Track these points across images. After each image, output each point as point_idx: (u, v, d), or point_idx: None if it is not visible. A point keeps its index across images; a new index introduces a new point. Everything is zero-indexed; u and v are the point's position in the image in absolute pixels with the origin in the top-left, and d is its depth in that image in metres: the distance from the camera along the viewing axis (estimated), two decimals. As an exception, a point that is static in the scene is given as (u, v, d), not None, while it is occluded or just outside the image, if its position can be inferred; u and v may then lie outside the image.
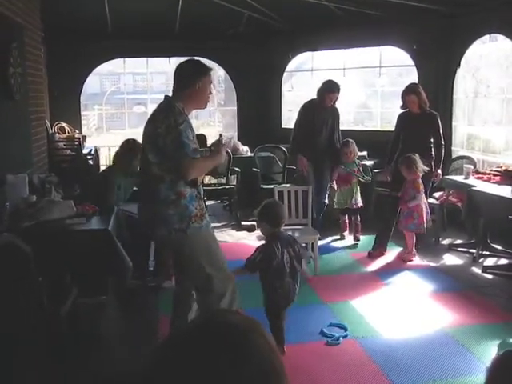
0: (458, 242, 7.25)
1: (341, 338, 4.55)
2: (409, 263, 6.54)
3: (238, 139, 10.23)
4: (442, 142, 6.86)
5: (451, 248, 7.03)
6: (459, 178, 7.05)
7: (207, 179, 8.88)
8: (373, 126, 11.79)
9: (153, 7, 8.93)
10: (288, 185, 7.81)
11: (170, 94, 3.92)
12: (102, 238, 4.63)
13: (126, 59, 11.47)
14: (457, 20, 8.10)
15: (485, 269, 6.20)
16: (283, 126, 10.48)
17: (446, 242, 7.31)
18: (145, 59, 11.47)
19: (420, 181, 6.49)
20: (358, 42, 9.62)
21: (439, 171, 6.86)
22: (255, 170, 8.83)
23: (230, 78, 11.42)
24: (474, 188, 6.44)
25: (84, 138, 9.67)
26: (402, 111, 7.02)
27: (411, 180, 6.47)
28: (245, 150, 9.62)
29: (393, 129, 7.36)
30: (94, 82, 19.79)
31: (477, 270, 6.26)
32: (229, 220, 8.67)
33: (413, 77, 8.93)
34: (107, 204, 5.46)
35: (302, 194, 6.44)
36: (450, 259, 6.71)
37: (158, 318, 4.97)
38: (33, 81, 7.07)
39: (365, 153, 8.46)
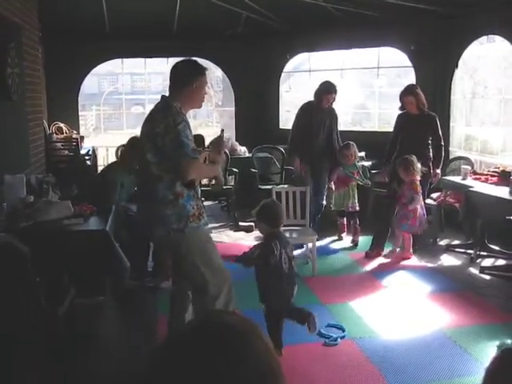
0: (456, 242, 7.25)
1: (338, 339, 4.55)
2: (406, 264, 6.54)
3: (236, 140, 10.23)
4: (442, 143, 6.87)
5: (449, 249, 7.03)
6: (457, 179, 7.05)
7: (205, 180, 8.87)
8: (371, 126, 11.78)
9: (151, 7, 8.93)
10: (286, 185, 7.81)
11: (167, 94, 3.93)
12: (100, 238, 4.62)
13: (124, 59, 11.48)
14: (454, 21, 8.11)
15: (482, 269, 6.21)
16: (281, 127, 10.49)
17: (443, 242, 7.31)
18: (143, 60, 11.48)
19: (418, 182, 6.49)
20: (355, 43, 9.63)
21: (438, 171, 6.86)
22: (253, 170, 8.83)
23: (227, 78, 11.43)
24: (471, 189, 6.44)
25: (82, 138, 9.67)
26: (400, 112, 7.03)
27: (409, 181, 6.47)
28: (243, 150, 9.63)
29: (391, 130, 7.38)
30: (92, 83, 19.78)
31: (474, 270, 6.26)
32: (226, 220, 8.67)
33: (411, 78, 8.95)
34: (109, 203, 5.46)
35: (299, 194, 6.44)
36: (448, 260, 6.71)
37: (156, 318, 4.96)
38: (30, 81, 7.06)
39: (363, 153, 8.45)
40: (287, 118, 10.39)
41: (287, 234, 4.50)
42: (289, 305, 4.28)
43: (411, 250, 6.72)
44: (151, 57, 11.20)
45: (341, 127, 7.89)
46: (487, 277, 6.08)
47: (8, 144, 6.01)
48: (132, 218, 5.38)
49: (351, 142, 7.35)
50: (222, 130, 4.56)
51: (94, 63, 10.48)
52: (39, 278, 3.82)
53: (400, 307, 5.30)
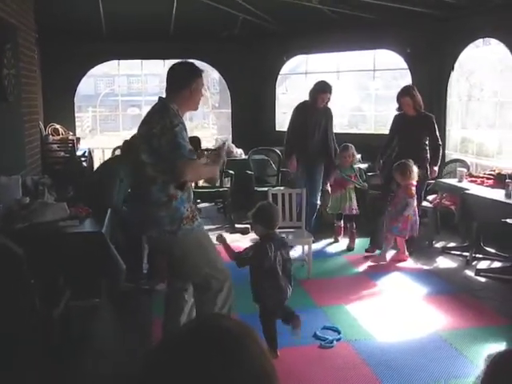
0: (452, 245, 7.26)
1: (334, 341, 4.54)
2: (402, 266, 6.54)
3: (232, 142, 10.25)
4: (440, 143, 6.92)
5: (444, 251, 7.04)
6: (453, 182, 7.07)
7: (201, 182, 8.87)
8: (366, 129, 11.81)
9: (147, 9, 8.93)
10: (282, 187, 7.81)
11: (164, 96, 3.93)
12: (96, 240, 4.62)
13: (121, 61, 11.48)
14: (450, 24, 8.13)
15: (478, 272, 6.21)
16: (277, 129, 10.49)
17: (439, 245, 7.32)
18: (139, 61, 11.47)
19: (413, 187, 6.49)
20: (352, 46, 9.64)
21: (435, 168, 6.90)
22: (249, 172, 8.83)
23: (224, 80, 11.43)
24: (467, 191, 6.45)
25: (78, 139, 9.66)
26: (397, 113, 7.06)
27: (404, 186, 6.48)
28: (239, 152, 9.63)
29: (387, 132, 7.42)
30: (88, 84, 19.76)
31: (470, 273, 6.27)
32: (223, 222, 8.67)
33: (407, 80, 8.96)
34: (107, 202, 5.46)
35: (295, 196, 6.44)
36: (444, 262, 6.72)
37: (151, 320, 4.96)
38: (26, 82, 7.05)
39: (359, 156, 8.46)
40: (283, 120, 10.39)
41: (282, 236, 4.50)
42: (283, 306, 4.28)
43: (406, 252, 6.72)
44: (148, 58, 11.19)
45: (337, 129, 7.91)
46: (483, 279, 6.09)
47: (4, 145, 6.00)
48: (126, 220, 5.38)
49: (349, 144, 7.35)
50: (224, 143, 4.57)
51: (90, 65, 10.47)
52: (34, 279, 3.81)
53: (396, 309, 5.30)
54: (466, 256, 6.65)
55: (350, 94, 13.70)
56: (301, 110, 7.31)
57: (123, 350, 4.40)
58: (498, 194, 6.13)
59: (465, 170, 7.19)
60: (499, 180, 6.52)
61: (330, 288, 5.88)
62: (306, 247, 6.34)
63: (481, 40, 7.98)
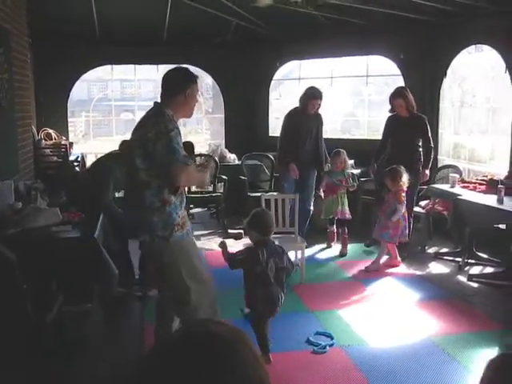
0: (444, 250, 7.27)
1: (327, 347, 4.54)
2: (395, 271, 6.55)
3: (226, 147, 10.24)
4: (432, 145, 6.97)
5: (437, 256, 7.06)
6: (445, 187, 7.08)
7: (193, 187, 8.86)
8: (360, 134, 11.84)
9: (141, 14, 8.94)
10: (275, 193, 7.80)
11: (159, 101, 3.93)
12: (88, 245, 4.60)
13: (114, 66, 11.46)
14: (443, 30, 8.16)
15: (470, 277, 6.23)
16: (270, 134, 10.49)
17: (431, 250, 7.33)
18: (133, 66, 11.46)
19: (403, 193, 6.51)
20: (345, 51, 9.67)
21: (427, 172, 6.94)
22: (242, 177, 8.82)
23: (217, 85, 11.43)
24: (459, 197, 6.47)
25: (71, 144, 9.63)
26: (390, 115, 7.10)
27: (394, 191, 6.50)
28: (232, 157, 9.63)
29: (380, 137, 7.44)
30: (81, 89, 19.74)
31: (462, 278, 6.28)
32: (216, 228, 8.66)
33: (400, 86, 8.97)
34: (101, 202, 5.44)
35: (288, 202, 6.45)
36: (436, 267, 6.73)
37: (143, 326, 4.95)
38: (19, 87, 7.03)
39: (352, 161, 8.48)
40: (277, 126, 10.39)
41: (276, 242, 4.49)
42: (274, 312, 4.27)
43: (399, 258, 6.74)
44: (141, 63, 11.17)
45: (330, 135, 7.92)
46: (475, 284, 6.10)
47: (-4, 150, 5.99)
48: (118, 220, 5.37)
49: (341, 150, 7.35)
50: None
51: (83, 69, 10.45)
52: (27, 284, 3.80)
53: (388, 315, 5.31)
54: (459, 261, 6.67)
55: (343, 99, 13.73)
56: (292, 117, 7.31)
57: (115, 356, 4.39)
58: (491, 200, 6.15)
59: (457, 175, 7.21)
60: (491, 186, 6.54)
61: (323, 293, 5.88)
62: (299, 252, 6.34)
63: (473, 46, 8.01)
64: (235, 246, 7.56)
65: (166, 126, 3.64)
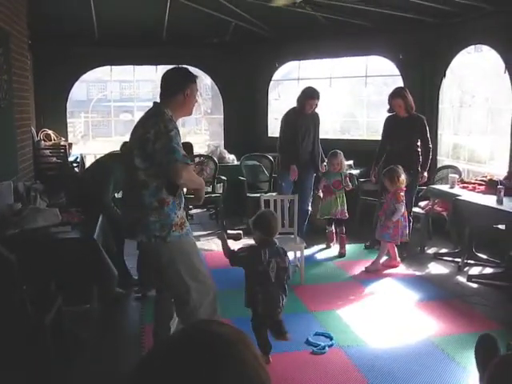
0: (444, 251, 7.27)
1: (326, 347, 4.54)
2: (394, 272, 6.55)
3: (225, 147, 10.24)
4: (430, 146, 6.97)
5: (436, 257, 7.06)
6: (444, 188, 7.09)
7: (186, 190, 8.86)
8: (359, 135, 11.84)
9: (140, 16, 8.94)
10: (274, 193, 7.81)
11: (158, 101, 3.93)
12: (88, 246, 4.61)
13: (113, 67, 11.46)
14: (442, 30, 8.17)
15: (470, 278, 6.23)
16: (269, 135, 10.49)
17: (431, 251, 7.33)
18: (132, 67, 11.45)
19: (402, 192, 6.51)
20: (344, 52, 9.67)
21: (425, 174, 6.95)
22: (241, 178, 8.82)
23: (216, 86, 11.43)
24: (459, 197, 6.47)
25: (70, 145, 9.64)
26: (388, 114, 7.11)
27: (393, 191, 6.51)
28: (231, 158, 9.63)
29: (379, 138, 7.45)
30: (80, 90, 19.76)
31: (462, 278, 6.29)
32: (215, 228, 8.65)
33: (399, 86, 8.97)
34: (101, 200, 5.44)
35: (287, 202, 6.45)
36: (436, 268, 6.73)
37: (142, 326, 4.95)
38: (19, 88, 7.04)
39: (351, 162, 8.49)
40: (276, 126, 10.38)
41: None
42: (275, 314, 4.27)
43: (398, 258, 6.74)
44: (140, 64, 11.17)
45: (329, 135, 7.91)
46: (475, 285, 6.10)
47: (-5, 151, 5.99)
48: (117, 220, 5.37)
49: (338, 151, 7.35)
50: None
51: (82, 70, 10.45)
52: (26, 285, 3.80)
53: (388, 315, 5.30)
54: (458, 262, 6.67)
55: (342, 99, 13.73)
56: (290, 116, 7.32)
57: (115, 356, 4.39)
58: (490, 200, 6.15)
59: (456, 176, 7.21)
60: (491, 186, 6.54)
61: (322, 294, 5.88)
62: (299, 253, 6.34)
63: (472, 46, 8.01)
64: (234, 246, 7.57)
65: (165, 126, 3.64)
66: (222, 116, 11.24)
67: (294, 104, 7.36)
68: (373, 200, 7.63)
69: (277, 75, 10.74)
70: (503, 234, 6.42)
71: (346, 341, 4.70)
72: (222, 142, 11.05)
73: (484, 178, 6.97)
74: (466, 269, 6.55)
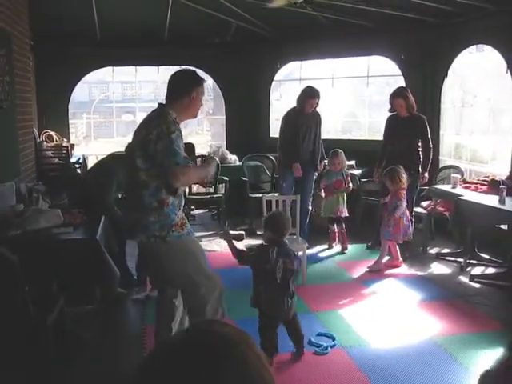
0: (446, 251, 7.26)
1: (329, 348, 4.54)
2: (396, 272, 6.55)
3: (227, 148, 10.23)
4: (431, 146, 6.97)
5: (439, 257, 7.05)
6: (447, 188, 7.08)
7: (195, 188, 8.86)
8: (361, 135, 11.83)
9: (142, 16, 8.95)
10: (276, 194, 7.80)
11: (161, 102, 3.93)
12: (90, 247, 4.61)
13: (115, 68, 11.46)
14: (444, 30, 8.16)
15: (472, 278, 6.22)
16: (271, 135, 10.48)
17: (433, 250, 7.33)
18: (133, 68, 11.46)
19: (403, 191, 6.52)
20: (345, 52, 9.66)
21: (426, 174, 6.95)
22: (243, 179, 8.83)
23: (218, 86, 11.43)
24: (461, 197, 6.46)
25: (72, 146, 9.63)
26: (390, 114, 7.11)
27: (394, 191, 6.53)
28: (233, 158, 9.63)
29: (381, 138, 7.46)
30: (82, 90, 19.77)
31: (464, 278, 6.28)
32: (217, 229, 8.65)
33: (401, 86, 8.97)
34: (104, 201, 5.44)
35: (289, 203, 6.44)
36: (438, 268, 6.73)
37: (144, 327, 4.95)
38: (21, 89, 7.04)
39: (353, 162, 8.48)
40: (277, 127, 10.39)
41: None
42: (282, 314, 4.26)
43: (400, 258, 6.73)
44: (141, 65, 11.17)
45: (331, 135, 7.91)
46: (477, 285, 6.10)
47: (-3, 152, 5.99)
48: (117, 225, 5.37)
49: (339, 150, 7.38)
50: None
51: (84, 71, 10.46)
52: (28, 286, 3.81)
53: (390, 315, 5.30)
54: (461, 262, 6.66)
55: (344, 100, 13.71)
56: (291, 117, 7.32)
57: (116, 356, 4.39)
58: (492, 200, 6.15)
59: (459, 176, 7.20)
60: (493, 186, 6.54)
61: (325, 294, 5.88)
62: (301, 253, 6.34)
63: (474, 46, 8.00)
64: (239, 247, 7.57)
65: (167, 128, 3.64)
66: (224, 116, 11.24)
67: (295, 104, 7.36)
68: (374, 200, 7.63)
69: (278, 75, 10.74)
70: (505, 234, 6.41)
71: (348, 341, 4.70)
72: (224, 142, 11.05)
73: (486, 178, 6.96)
74: (468, 269, 6.54)
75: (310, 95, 7.13)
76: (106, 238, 5.05)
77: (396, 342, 4.70)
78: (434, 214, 7.39)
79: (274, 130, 10.40)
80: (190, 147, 7.70)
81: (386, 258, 6.75)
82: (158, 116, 3.79)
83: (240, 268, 4.42)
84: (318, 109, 7.31)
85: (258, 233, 8.01)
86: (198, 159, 8.51)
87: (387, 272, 6.55)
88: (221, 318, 4.00)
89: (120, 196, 5.93)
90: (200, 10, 8.63)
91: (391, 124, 7.13)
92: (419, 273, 6.54)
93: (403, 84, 8.50)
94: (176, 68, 4.46)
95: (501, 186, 6.14)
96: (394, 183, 6.49)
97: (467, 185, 6.95)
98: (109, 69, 11.43)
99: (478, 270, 6.55)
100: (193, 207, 8.95)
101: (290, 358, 4.36)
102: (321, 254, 7.33)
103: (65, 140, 9.60)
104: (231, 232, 7.99)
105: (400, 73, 8.98)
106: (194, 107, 3.96)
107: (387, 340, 4.74)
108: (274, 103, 10.97)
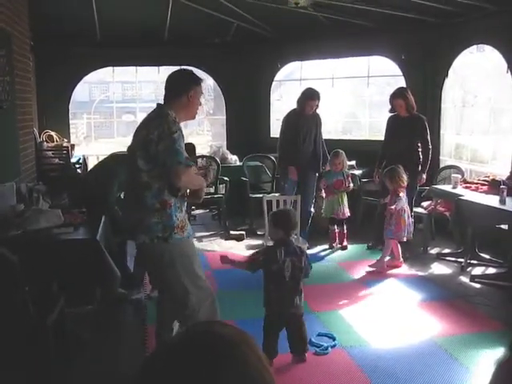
0: (446, 251, 7.26)
1: (329, 348, 4.53)
2: (397, 272, 6.54)
3: (227, 148, 10.22)
4: (430, 147, 6.98)
5: (439, 257, 7.05)
6: (447, 188, 7.08)
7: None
8: (361, 135, 11.82)
9: (142, 16, 8.95)
10: (277, 194, 7.81)
11: (161, 102, 3.92)
12: (90, 247, 4.61)
13: (115, 68, 11.46)
14: (444, 30, 8.16)
15: (473, 278, 6.22)
16: (272, 136, 10.47)
17: (434, 251, 7.32)
18: (134, 68, 11.46)
19: (403, 189, 6.54)
20: (346, 52, 9.66)
21: (424, 175, 6.96)
22: (244, 179, 8.83)
23: (218, 86, 11.43)
24: (461, 197, 6.46)
25: (72, 146, 9.64)
26: (390, 115, 7.12)
27: (393, 190, 6.54)
28: (233, 159, 9.63)
29: (381, 138, 7.47)
30: (82, 91, 19.76)
31: (465, 279, 6.28)
32: (217, 229, 8.65)
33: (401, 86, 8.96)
34: (105, 202, 5.44)
35: (290, 203, 6.45)
36: (438, 268, 6.72)
37: (144, 327, 4.94)
38: (21, 89, 7.04)
39: (353, 162, 8.48)
40: (278, 127, 10.37)
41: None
42: (289, 311, 4.25)
43: (401, 259, 6.73)
44: (142, 65, 11.17)
45: (331, 136, 7.91)
46: (478, 285, 6.09)
47: (-2, 152, 5.99)
48: (118, 226, 5.36)
49: (340, 150, 7.40)
50: (211, 165, 4.58)
51: (84, 71, 10.45)
52: (28, 286, 3.80)
53: (390, 316, 5.30)
54: (461, 262, 6.66)
55: (344, 100, 13.71)
56: (291, 118, 7.32)
57: (117, 357, 4.39)
58: (493, 200, 6.14)
59: (459, 176, 7.20)
60: (493, 186, 6.53)
61: (325, 294, 5.87)
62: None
63: (475, 46, 8.00)
64: (236, 247, 7.59)
65: (169, 128, 3.64)
66: (225, 117, 11.24)
67: (295, 105, 7.36)
68: (375, 200, 7.62)
69: (279, 76, 10.74)
70: (506, 234, 6.41)
71: (348, 341, 4.70)
72: (225, 142, 11.05)
73: (487, 178, 6.96)
74: (468, 269, 6.54)
75: (309, 97, 7.14)
76: (106, 238, 5.04)
77: (396, 342, 4.69)
78: (435, 214, 7.39)
79: (275, 131, 10.38)
80: (190, 147, 7.69)
81: (386, 258, 6.75)
82: (159, 116, 3.78)
83: (238, 269, 4.42)
84: (318, 109, 7.31)
85: (259, 233, 8.02)
86: (199, 159, 8.52)
87: (388, 272, 6.55)
88: None
89: (121, 196, 5.92)
90: (200, 10, 8.63)
91: (392, 124, 7.15)
92: (420, 273, 6.54)
93: (404, 84, 8.50)
94: (176, 68, 4.44)
95: (501, 186, 6.14)
96: (394, 183, 6.50)
97: (468, 185, 6.95)
98: (109, 69, 11.44)
99: (478, 270, 6.55)
100: (193, 207, 8.95)
101: (291, 359, 4.35)
102: (321, 254, 7.32)
103: (65, 140, 9.61)
104: (232, 232, 8.06)
105: (400, 73, 8.97)
106: (193, 107, 3.94)
107: (388, 340, 4.74)
108: (275, 103, 10.97)
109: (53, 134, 9.37)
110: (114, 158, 6.16)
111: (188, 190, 3.98)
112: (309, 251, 6.56)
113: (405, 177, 6.53)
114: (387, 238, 6.66)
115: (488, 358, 4.29)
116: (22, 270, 3.64)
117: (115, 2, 8.58)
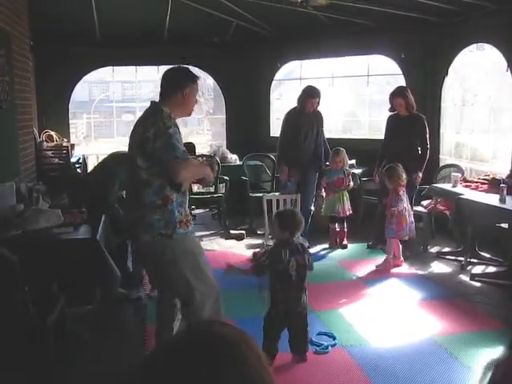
0: (446, 249, 7.26)
1: (329, 347, 4.53)
2: (397, 271, 6.54)
3: (227, 148, 10.22)
4: (428, 146, 6.99)
5: (439, 256, 7.05)
6: (447, 186, 7.08)
7: (196, 188, 8.86)
8: (361, 134, 11.82)
9: (141, 16, 8.95)
10: (277, 193, 7.81)
11: (156, 100, 3.92)
12: (90, 247, 4.61)
13: (115, 67, 11.46)
14: (444, 29, 8.15)
15: (473, 276, 6.22)
16: (272, 135, 10.47)
17: (434, 249, 7.32)
18: (133, 67, 11.46)
19: (402, 188, 6.54)
20: (346, 51, 9.66)
21: (420, 174, 6.96)
22: (244, 178, 8.83)
23: (218, 86, 11.43)
24: (461, 196, 6.46)
25: (72, 146, 9.63)
26: (390, 114, 7.13)
27: (393, 189, 6.55)
28: (233, 158, 9.63)
29: (381, 137, 7.47)
30: (82, 90, 19.75)
31: (465, 277, 6.28)
32: (217, 228, 8.65)
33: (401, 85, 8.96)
34: (106, 201, 5.44)
35: (290, 202, 6.45)
36: (438, 267, 6.72)
37: (144, 327, 4.94)
38: (21, 89, 7.04)
39: (353, 161, 8.48)
40: (278, 126, 10.36)
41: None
42: (296, 310, 4.25)
43: (401, 258, 6.73)
44: (141, 64, 11.17)
45: (331, 134, 7.91)
46: (478, 284, 6.09)
47: (-3, 152, 5.99)
48: (119, 220, 5.36)
49: (341, 148, 7.40)
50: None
51: (84, 71, 10.45)
52: (28, 286, 3.80)
53: (391, 314, 5.30)
54: (461, 261, 6.66)
55: (344, 99, 13.70)
56: (292, 116, 7.33)
57: (117, 356, 4.39)
58: (493, 199, 6.14)
59: (459, 174, 7.20)
60: (493, 185, 6.53)
61: (325, 293, 5.86)
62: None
63: (474, 45, 8.00)
64: (237, 246, 7.59)
65: (164, 124, 3.63)
66: (225, 116, 11.24)
67: (295, 104, 7.36)
68: (375, 199, 7.62)
69: (279, 75, 10.73)
70: (506, 233, 6.41)
71: (349, 340, 4.70)
72: (225, 142, 11.04)
73: (487, 177, 6.96)
74: (468, 267, 6.54)
75: (310, 95, 7.14)
76: (106, 238, 5.04)
77: (397, 341, 4.69)
78: (435, 212, 7.39)
79: (275, 130, 10.39)
80: (190, 147, 7.68)
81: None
82: (154, 113, 3.77)
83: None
84: (318, 108, 7.31)
85: (259, 232, 8.02)
86: (199, 158, 8.52)
87: (388, 271, 6.54)
88: None
89: (123, 195, 5.93)
90: (200, 10, 8.63)
91: (391, 123, 7.16)
92: (420, 272, 6.54)
93: (404, 83, 8.50)
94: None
95: (501, 185, 6.13)
96: (393, 181, 6.51)
97: (468, 184, 6.95)
98: (109, 68, 11.44)
99: (478, 269, 6.55)
100: (193, 207, 8.95)
101: (292, 358, 4.34)
102: (321, 253, 7.32)
103: (65, 140, 9.60)
104: (232, 232, 8.05)
105: (400, 72, 8.97)
106: (188, 104, 3.93)
107: (388, 339, 4.74)
108: (275, 102, 10.97)
109: (52, 133, 9.36)
110: (113, 157, 6.16)
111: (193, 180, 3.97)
112: (309, 250, 6.54)
113: (404, 175, 6.53)
114: (389, 237, 6.66)
115: (488, 357, 4.29)
116: (21, 270, 3.64)
117: (115, 2, 8.58)
